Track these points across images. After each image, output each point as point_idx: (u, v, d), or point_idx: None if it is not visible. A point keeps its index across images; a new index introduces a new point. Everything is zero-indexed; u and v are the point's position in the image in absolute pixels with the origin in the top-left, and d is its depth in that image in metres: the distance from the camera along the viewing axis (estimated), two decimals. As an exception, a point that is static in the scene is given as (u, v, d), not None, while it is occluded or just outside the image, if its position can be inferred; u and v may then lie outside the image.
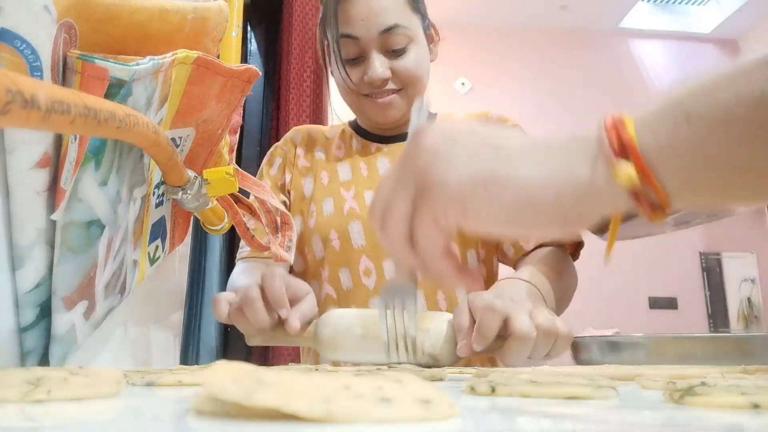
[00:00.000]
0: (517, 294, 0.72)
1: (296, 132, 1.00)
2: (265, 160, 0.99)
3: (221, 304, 0.66)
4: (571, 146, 0.34)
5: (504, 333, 0.59)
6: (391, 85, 0.85)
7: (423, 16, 0.89)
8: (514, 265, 0.89)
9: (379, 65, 0.83)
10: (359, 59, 0.85)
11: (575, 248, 0.89)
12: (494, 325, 0.58)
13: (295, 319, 0.62)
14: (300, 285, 0.68)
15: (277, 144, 1.00)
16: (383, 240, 0.40)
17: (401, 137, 0.93)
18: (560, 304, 0.82)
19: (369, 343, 0.62)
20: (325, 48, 0.91)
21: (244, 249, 0.93)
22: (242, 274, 0.86)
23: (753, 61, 0.29)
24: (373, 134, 0.96)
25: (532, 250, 0.88)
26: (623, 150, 0.31)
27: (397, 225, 0.38)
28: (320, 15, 0.91)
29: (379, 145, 0.94)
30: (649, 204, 0.31)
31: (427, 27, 0.91)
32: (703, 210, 0.64)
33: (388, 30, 0.82)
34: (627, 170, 0.30)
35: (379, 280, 0.84)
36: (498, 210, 0.34)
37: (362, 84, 0.86)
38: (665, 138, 0.30)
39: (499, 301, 0.60)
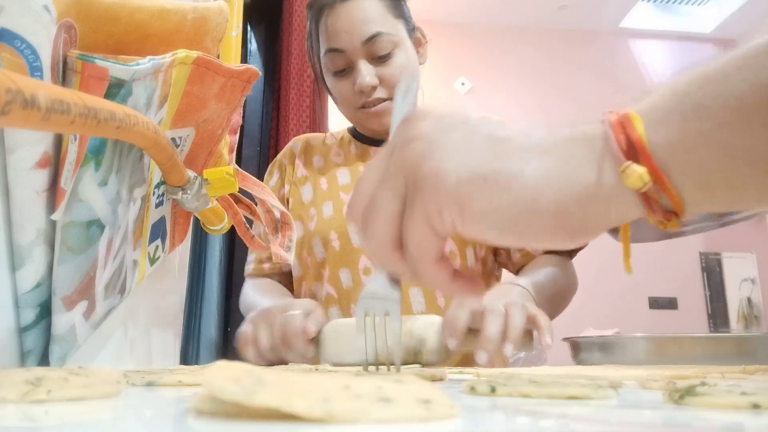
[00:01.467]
0: (508, 296, 0.72)
1: (295, 142, 1.03)
2: (266, 173, 1.03)
3: (249, 351, 0.70)
4: (576, 145, 0.30)
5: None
6: (380, 93, 0.87)
7: (407, 20, 0.91)
8: (518, 270, 0.90)
9: (366, 73, 0.85)
10: (347, 70, 0.88)
11: (571, 251, 0.90)
12: (463, 317, 0.59)
13: (311, 324, 0.65)
14: (306, 301, 0.72)
15: (277, 156, 1.03)
16: (365, 242, 0.35)
17: None
18: (556, 307, 0.82)
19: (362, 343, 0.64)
20: (315, 64, 0.94)
21: (249, 264, 0.97)
22: (256, 295, 0.88)
23: (757, 47, 0.26)
24: (372, 138, 0.97)
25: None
26: (632, 151, 0.28)
27: (383, 225, 0.33)
28: (307, 32, 0.94)
29: (378, 148, 0.96)
30: (662, 210, 0.28)
31: (413, 30, 0.93)
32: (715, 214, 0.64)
33: (372, 38, 0.84)
34: (639, 173, 0.27)
35: None
36: (497, 213, 0.30)
37: (354, 95, 0.88)
38: (675, 134, 0.27)
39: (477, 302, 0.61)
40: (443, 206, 0.31)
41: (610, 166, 0.28)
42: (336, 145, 0.99)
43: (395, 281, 0.39)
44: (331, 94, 0.94)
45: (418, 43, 0.94)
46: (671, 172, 0.27)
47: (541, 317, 0.62)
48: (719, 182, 0.27)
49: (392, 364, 0.45)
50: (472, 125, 0.33)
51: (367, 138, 0.97)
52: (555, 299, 0.81)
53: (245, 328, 0.71)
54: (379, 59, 0.86)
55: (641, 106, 0.29)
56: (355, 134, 0.99)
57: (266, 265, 0.95)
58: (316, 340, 0.69)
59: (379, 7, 0.86)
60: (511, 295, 0.73)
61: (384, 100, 0.88)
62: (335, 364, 0.68)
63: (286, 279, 0.96)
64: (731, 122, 0.26)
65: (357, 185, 0.36)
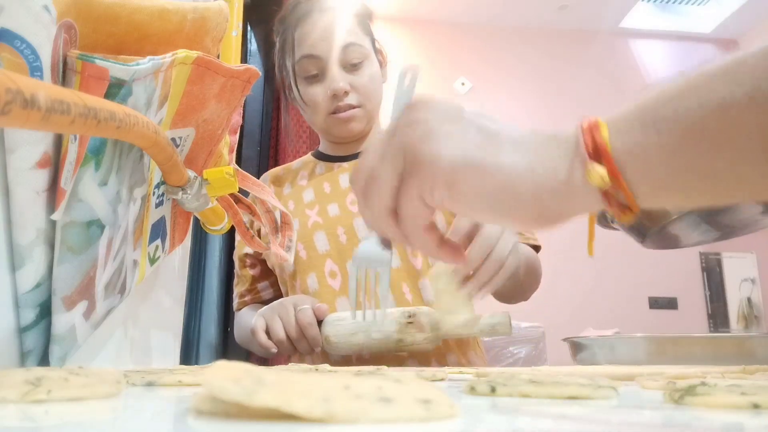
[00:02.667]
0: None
1: (265, 177, 1.09)
2: None
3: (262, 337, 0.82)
4: (552, 143, 0.35)
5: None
6: (351, 100, 0.92)
7: (372, 39, 0.97)
8: None
9: (340, 79, 0.91)
10: (320, 76, 0.93)
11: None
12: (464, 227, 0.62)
13: (323, 310, 0.80)
14: (308, 299, 0.84)
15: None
16: (364, 210, 0.40)
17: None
18: (527, 278, 0.86)
19: (358, 330, 0.75)
20: (284, 77, 0.98)
21: (234, 301, 1.03)
22: (249, 317, 0.93)
23: (715, 69, 0.30)
24: (335, 156, 1.02)
25: None
26: (597, 152, 0.32)
27: (381, 196, 0.38)
28: (277, 46, 0.99)
29: (341, 163, 1.01)
30: (618, 205, 0.33)
31: (377, 51, 0.99)
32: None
33: (347, 47, 0.91)
34: (600, 172, 0.32)
35: (343, 281, 0.90)
36: (481, 195, 0.35)
37: (326, 101, 0.92)
38: (635, 142, 0.32)
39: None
40: (435, 185, 0.36)
41: (579, 165, 0.33)
42: (301, 169, 1.04)
43: (387, 244, 0.44)
44: (300, 103, 0.98)
45: (383, 62, 1.00)
46: (627, 175, 0.32)
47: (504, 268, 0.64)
48: (669, 187, 0.32)
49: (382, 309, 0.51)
50: (468, 117, 0.37)
51: (331, 156, 1.02)
52: (529, 270, 0.85)
53: (258, 322, 0.80)
54: (351, 67, 0.92)
55: (611, 116, 0.33)
56: (319, 155, 1.05)
57: (247, 298, 1.02)
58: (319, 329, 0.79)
59: (351, 21, 0.93)
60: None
61: (354, 107, 0.93)
62: (334, 352, 0.76)
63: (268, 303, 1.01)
64: (682, 137, 0.30)
65: (361, 159, 0.40)
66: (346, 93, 0.92)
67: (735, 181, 0.30)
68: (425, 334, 0.72)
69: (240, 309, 1.02)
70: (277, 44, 0.98)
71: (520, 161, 0.34)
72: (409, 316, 0.71)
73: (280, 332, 0.78)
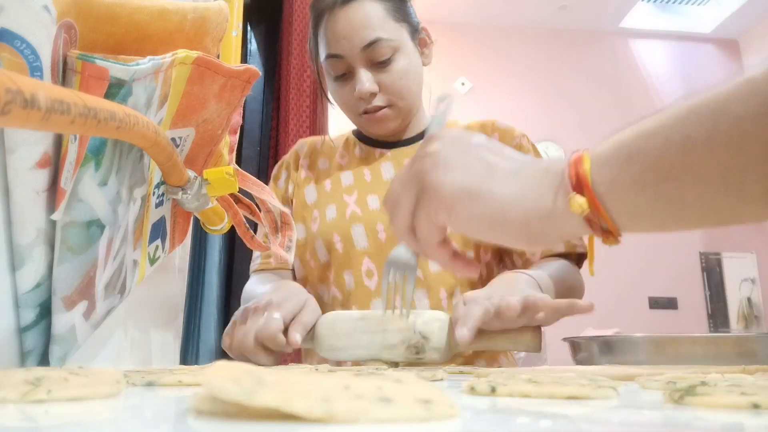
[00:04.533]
0: (514, 284, 0.72)
1: (302, 144, 1.03)
2: (274, 172, 1.03)
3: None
4: (544, 175, 0.39)
5: (492, 328, 0.63)
6: (380, 101, 0.87)
7: (410, 22, 0.89)
8: None
9: (366, 80, 0.84)
10: (347, 75, 0.87)
11: (579, 258, 0.90)
12: (477, 312, 0.62)
13: (295, 332, 0.66)
14: (296, 293, 0.73)
15: (283, 158, 1.04)
16: (392, 227, 0.47)
17: (403, 142, 0.96)
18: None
19: (362, 338, 0.66)
20: (319, 68, 0.93)
21: (256, 260, 0.97)
22: (257, 285, 0.88)
23: (685, 107, 0.33)
24: (377, 140, 0.97)
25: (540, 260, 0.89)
26: (579, 184, 0.36)
27: (402, 217, 0.45)
28: (309, 34, 0.93)
29: (383, 150, 0.96)
30: (601, 230, 0.37)
31: (417, 32, 0.91)
32: None
33: (371, 44, 0.83)
34: (580, 202, 0.36)
35: (380, 280, 0.85)
36: (476, 219, 0.40)
37: (354, 102, 0.87)
38: (612, 175, 0.35)
39: (485, 296, 0.65)
40: (438, 209, 0.42)
41: (563, 195, 0.37)
42: (341, 147, 0.99)
43: (413, 252, 0.51)
44: (332, 99, 0.94)
45: (423, 44, 0.92)
46: (607, 203, 0.36)
47: (541, 300, 0.63)
48: (646, 215, 0.35)
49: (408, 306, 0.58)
50: (473, 150, 0.42)
51: (372, 140, 0.97)
52: (563, 292, 0.80)
53: (228, 327, 0.71)
54: (378, 65, 0.85)
55: (595, 150, 0.37)
56: (360, 136, 0.99)
57: (272, 260, 0.94)
58: (311, 333, 0.70)
59: (379, 11, 0.84)
60: (517, 284, 0.72)
61: (384, 107, 0.87)
62: (329, 358, 0.69)
63: (293, 275, 0.95)
64: (652, 171, 0.34)
65: (391, 183, 0.47)
66: (374, 95, 0.86)
67: (705, 210, 0.33)
68: (434, 359, 0.67)
69: (260, 270, 0.93)
70: (310, 33, 0.92)
71: (511, 190, 0.39)
72: (417, 352, 0.64)
73: (240, 346, 0.67)
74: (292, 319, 0.68)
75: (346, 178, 0.94)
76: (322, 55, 0.88)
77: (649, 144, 0.34)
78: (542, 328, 0.67)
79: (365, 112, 0.88)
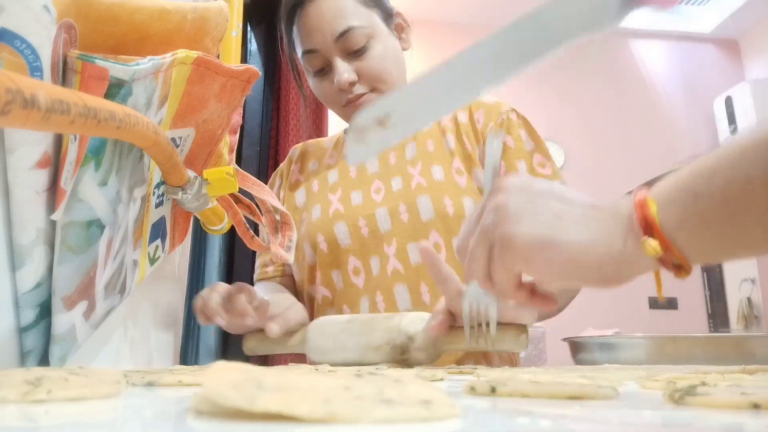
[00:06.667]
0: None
1: (294, 149, 1.04)
2: (268, 183, 1.03)
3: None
4: (612, 220, 0.41)
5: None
6: (360, 89, 0.86)
7: (381, 8, 0.88)
8: None
9: (343, 70, 0.84)
10: (326, 69, 0.87)
11: None
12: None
13: (273, 324, 0.71)
14: (284, 297, 0.78)
15: (279, 165, 1.05)
16: (468, 275, 0.48)
17: None
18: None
19: (348, 341, 0.68)
20: (294, 66, 0.94)
21: (256, 270, 0.98)
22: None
23: (743, 145, 0.35)
24: None
25: None
26: (648, 227, 0.38)
27: (478, 269, 0.47)
28: (284, 40, 0.93)
29: None
30: (673, 266, 0.39)
31: (391, 17, 0.90)
32: None
33: (343, 34, 0.83)
34: (653, 245, 0.37)
35: (367, 278, 0.84)
36: (551, 267, 0.42)
37: (336, 94, 0.87)
38: (679, 216, 0.37)
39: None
40: (515, 260, 0.43)
41: (633, 238, 0.39)
42: (331, 147, 1.00)
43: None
44: (315, 95, 0.94)
45: (400, 29, 0.92)
46: (677, 242, 0.37)
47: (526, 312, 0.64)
48: (714, 249, 0.38)
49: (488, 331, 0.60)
50: (540, 199, 0.44)
51: None
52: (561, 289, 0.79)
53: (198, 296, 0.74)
54: (354, 54, 0.84)
55: (656, 190, 0.39)
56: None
57: (270, 269, 0.95)
58: (303, 337, 0.72)
59: (349, 0, 0.84)
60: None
61: (365, 94, 0.86)
62: (318, 360, 0.70)
63: (290, 281, 0.96)
64: (719, 209, 0.36)
65: (461, 232, 0.50)
66: (353, 83, 0.85)
67: None
68: (420, 360, 0.67)
69: (260, 280, 0.96)
70: (284, 38, 0.92)
71: (583, 237, 0.41)
72: (402, 353, 0.65)
73: (214, 301, 0.70)
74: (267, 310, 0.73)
75: (332, 176, 0.94)
76: (299, 52, 0.88)
77: (712, 184, 0.36)
78: (538, 328, 0.68)
79: (348, 102, 0.87)
